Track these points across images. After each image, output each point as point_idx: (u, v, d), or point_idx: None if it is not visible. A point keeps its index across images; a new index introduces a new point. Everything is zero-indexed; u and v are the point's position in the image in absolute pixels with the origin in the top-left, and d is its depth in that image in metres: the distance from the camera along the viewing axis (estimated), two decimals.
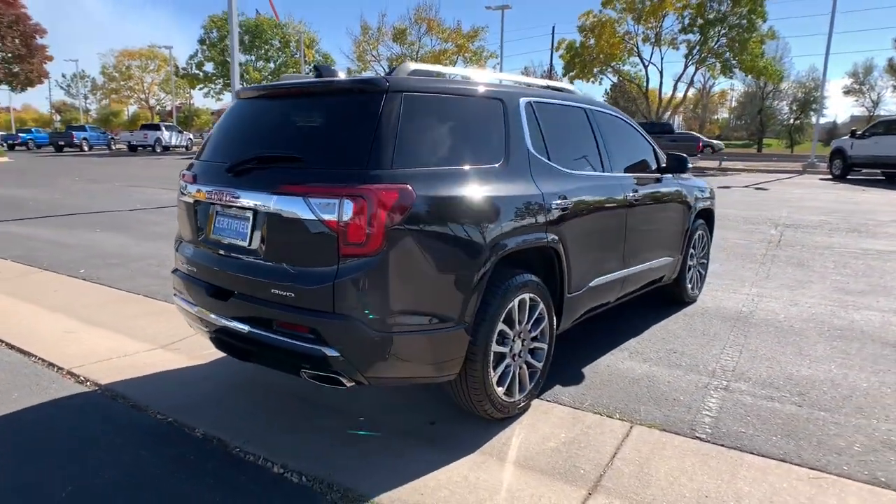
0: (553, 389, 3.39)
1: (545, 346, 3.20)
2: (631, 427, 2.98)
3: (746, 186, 17.77)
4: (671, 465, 2.64)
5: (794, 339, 4.31)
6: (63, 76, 64.06)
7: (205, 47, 45.30)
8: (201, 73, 45.87)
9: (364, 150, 2.43)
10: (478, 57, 45.62)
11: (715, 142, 35.06)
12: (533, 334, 3.10)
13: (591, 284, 3.56)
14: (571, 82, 39.90)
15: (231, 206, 2.71)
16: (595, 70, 35.69)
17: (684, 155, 4.62)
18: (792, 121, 52.89)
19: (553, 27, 60.38)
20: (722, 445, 2.80)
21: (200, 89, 48.91)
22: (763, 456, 2.71)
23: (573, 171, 3.43)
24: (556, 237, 3.12)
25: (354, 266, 2.35)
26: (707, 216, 5.38)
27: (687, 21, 32.31)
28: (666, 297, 5.14)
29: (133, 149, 39.48)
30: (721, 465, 2.64)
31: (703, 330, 4.50)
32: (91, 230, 8.50)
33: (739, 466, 2.62)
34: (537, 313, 3.09)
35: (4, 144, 40.10)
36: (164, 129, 40.74)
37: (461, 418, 3.01)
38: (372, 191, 2.33)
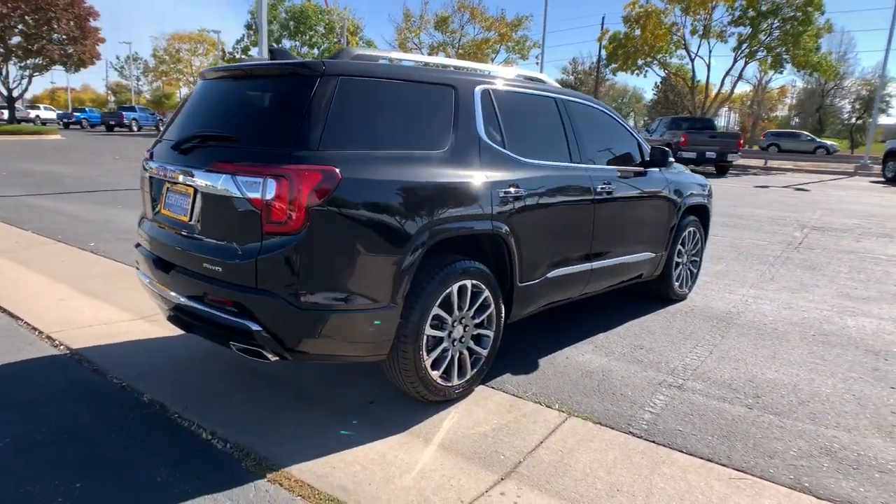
0: (502, 377, 3.41)
1: (491, 334, 3.21)
2: (566, 418, 2.97)
3: (786, 187, 17.13)
4: (593, 458, 2.63)
5: (773, 342, 4.18)
6: (117, 58, 66.61)
7: (251, 32, 46.20)
8: (246, 57, 46.80)
9: (293, 131, 2.49)
10: (520, 46, 45.16)
11: (829, 143, 33.93)
12: (476, 321, 3.12)
13: (548, 276, 3.54)
14: (614, 74, 39.24)
15: (176, 183, 2.82)
16: (639, 62, 34.78)
17: (666, 148, 4.51)
18: (854, 120, 50.42)
19: (603, 18, 59.03)
20: (652, 442, 2.77)
21: None
22: (691, 455, 2.67)
23: (532, 161, 3.40)
24: (505, 226, 3.11)
25: (277, 244, 2.42)
26: (700, 212, 5.24)
27: (738, 13, 31.10)
28: (651, 294, 5.05)
29: None
30: (644, 460, 2.61)
31: (679, 328, 4.42)
32: (114, 206, 8.88)
33: (662, 463, 2.59)
34: (481, 300, 3.10)
35: (60, 123, 42.11)
36: None
37: (401, 399, 3.06)
38: (294, 171, 2.39)
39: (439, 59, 3.48)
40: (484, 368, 3.21)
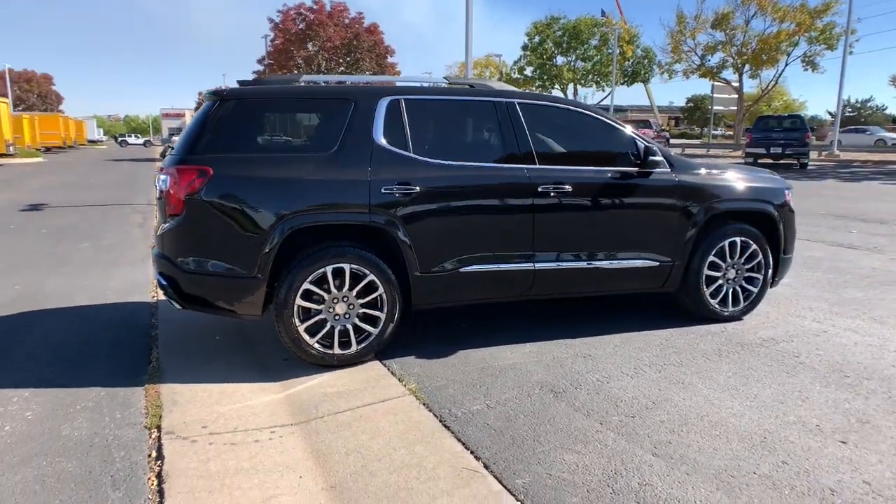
0: (406, 358, 3.75)
1: (382, 315, 3.61)
2: (404, 395, 3.24)
3: None
4: (377, 425, 2.91)
5: (760, 376, 3.53)
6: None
7: (527, 52, 49.07)
8: (522, 77, 49.86)
9: (193, 140, 3.41)
10: (826, 36, 38.33)
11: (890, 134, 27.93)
12: (362, 301, 3.57)
13: (461, 270, 3.74)
14: None
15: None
16: None
17: (652, 149, 4.08)
18: None
19: None
20: (447, 429, 2.89)
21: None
22: (461, 443, 2.74)
23: (439, 161, 3.67)
24: (388, 218, 3.51)
25: (171, 223, 3.37)
26: (759, 220, 4.49)
27: None
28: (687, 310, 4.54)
29: None
30: (415, 437, 2.79)
31: (668, 346, 3.99)
32: None
33: (420, 443, 2.74)
34: (365, 283, 3.54)
35: None
36: None
37: (306, 363, 3.68)
38: (177, 169, 3.31)
39: (372, 78, 3.99)
40: (374, 345, 3.63)
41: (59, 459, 2.57)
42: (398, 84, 4.03)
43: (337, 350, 3.56)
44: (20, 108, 47.62)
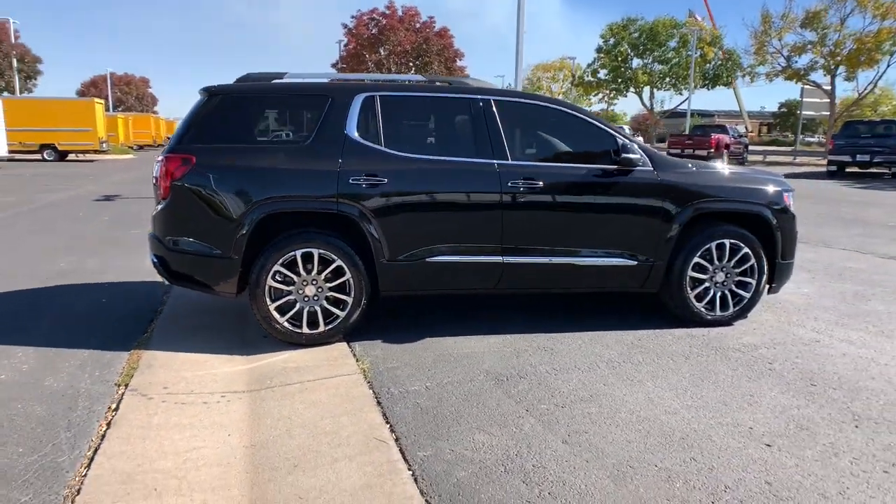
0: (373, 341, 3.94)
1: (349, 299, 3.83)
2: (356, 372, 3.43)
3: None
4: (316, 397, 3.12)
5: (719, 379, 3.47)
6: None
7: (601, 55, 48.10)
8: (594, 80, 48.91)
9: (181, 133, 3.76)
10: None
11: None
12: (331, 285, 3.80)
13: (427, 260, 3.89)
14: None
15: None
16: None
17: (631, 145, 4.07)
18: None
19: None
20: (379, 405, 3.06)
21: (595, 95, 52.21)
22: (385, 417, 2.90)
23: (408, 155, 3.85)
24: (355, 208, 3.72)
25: (160, 206, 3.74)
26: (753, 223, 4.35)
27: None
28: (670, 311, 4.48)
29: None
30: (352, 410, 2.98)
31: (638, 345, 3.97)
32: None
33: (349, 413, 2.93)
34: (333, 267, 3.77)
35: None
36: None
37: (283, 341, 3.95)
38: (165, 158, 3.66)
39: (358, 76, 4.21)
40: (341, 327, 3.85)
41: (33, 404, 2.95)
42: (377, 81, 4.23)
43: (305, 329, 3.81)
44: (119, 109, 51.81)
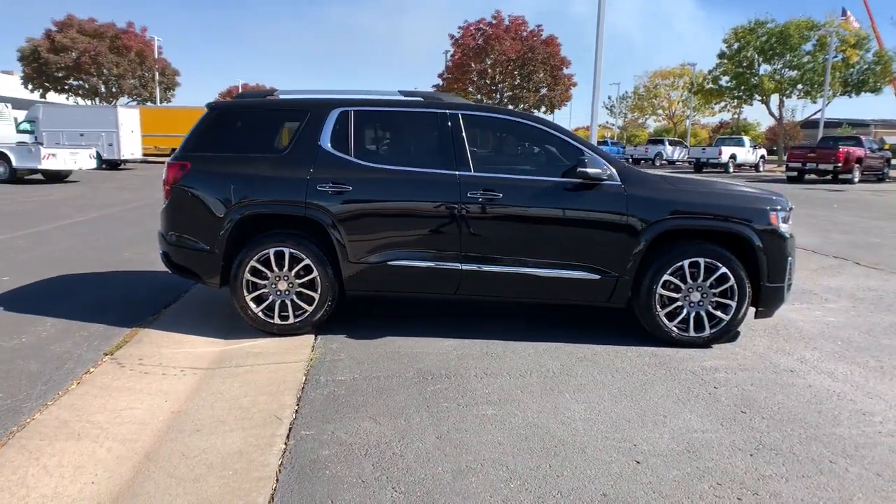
0: (338, 336, 4.31)
1: (315, 295, 4.22)
2: (311, 359, 3.81)
3: None
4: (253, 378, 3.54)
5: (643, 397, 3.44)
6: (609, 98, 75.43)
7: (723, 61, 45.27)
8: (716, 88, 46.09)
9: (184, 142, 4.38)
10: None
11: None
12: (300, 281, 4.22)
13: (389, 263, 4.19)
14: None
15: None
16: None
17: (597, 160, 4.08)
18: None
19: None
20: (301, 390, 3.41)
21: (717, 104, 49.19)
22: (298, 400, 3.24)
23: (375, 165, 4.19)
24: (321, 212, 4.11)
25: (164, 206, 4.37)
26: (731, 242, 4.19)
27: None
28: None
29: (635, 162, 43.85)
30: (275, 391, 3.37)
31: (587, 359, 4.00)
32: None
33: (270, 394, 3.30)
34: (302, 265, 4.19)
35: None
36: (666, 143, 43.05)
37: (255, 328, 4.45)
38: (168, 164, 4.29)
39: (341, 91, 4.57)
40: (309, 320, 4.26)
41: (32, 362, 3.65)
42: (355, 97, 4.58)
43: (277, 320, 4.25)
44: None
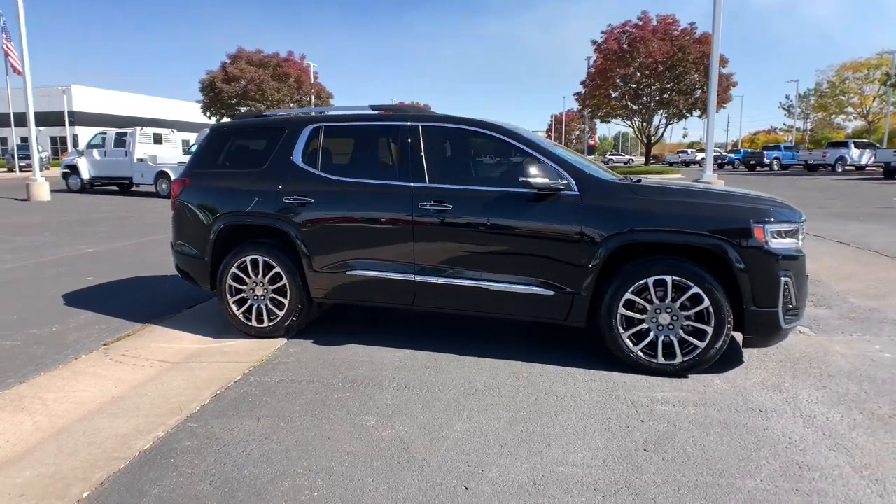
0: (302, 340, 4.56)
1: (285, 301, 4.52)
2: (251, 362, 4.11)
3: None
4: (198, 373, 3.91)
5: (546, 423, 3.20)
6: (786, 97, 67.20)
7: None
8: None
9: (189, 160, 4.97)
10: None
11: None
12: (273, 288, 4.55)
13: (349, 273, 4.34)
14: None
15: None
16: None
17: (552, 170, 3.85)
18: None
19: None
20: (226, 387, 3.70)
21: None
22: (216, 394, 3.53)
23: (336, 178, 4.38)
24: (287, 223, 4.40)
25: (172, 218, 4.99)
26: (708, 259, 3.71)
27: None
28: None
29: (812, 168, 38.60)
30: (203, 385, 3.71)
31: (529, 381, 3.80)
32: None
33: (196, 388, 3.64)
34: (272, 273, 4.52)
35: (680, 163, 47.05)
36: (852, 146, 37.24)
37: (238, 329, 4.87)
38: (174, 181, 4.89)
39: (321, 109, 4.81)
40: (281, 325, 4.57)
41: (40, 346, 4.39)
42: (329, 113, 4.80)
43: (254, 323, 4.62)
44: None
